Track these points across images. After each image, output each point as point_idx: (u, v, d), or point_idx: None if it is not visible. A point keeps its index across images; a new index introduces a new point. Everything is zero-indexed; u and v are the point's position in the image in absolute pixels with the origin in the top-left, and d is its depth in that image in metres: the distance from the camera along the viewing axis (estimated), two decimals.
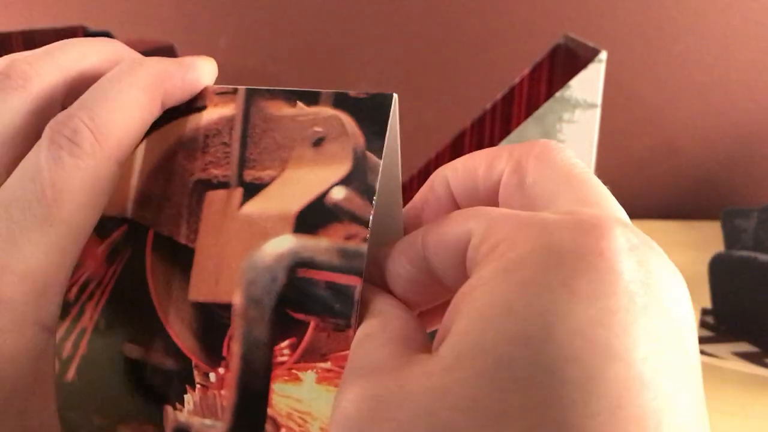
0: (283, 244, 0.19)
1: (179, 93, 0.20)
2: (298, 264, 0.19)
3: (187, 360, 0.20)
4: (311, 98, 0.20)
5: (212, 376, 0.20)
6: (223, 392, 0.20)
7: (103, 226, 0.21)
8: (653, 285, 0.13)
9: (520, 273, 0.13)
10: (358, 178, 0.19)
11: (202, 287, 0.20)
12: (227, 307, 0.20)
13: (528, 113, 0.42)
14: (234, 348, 0.20)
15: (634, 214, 0.77)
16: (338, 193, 0.19)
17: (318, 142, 0.20)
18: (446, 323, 0.14)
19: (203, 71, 0.21)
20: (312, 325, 0.19)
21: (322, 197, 0.19)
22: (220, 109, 0.21)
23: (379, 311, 0.17)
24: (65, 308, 0.21)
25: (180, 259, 0.21)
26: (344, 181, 0.19)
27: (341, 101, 0.20)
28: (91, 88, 0.19)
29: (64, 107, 0.19)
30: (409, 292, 0.18)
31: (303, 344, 0.19)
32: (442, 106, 0.71)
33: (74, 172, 0.18)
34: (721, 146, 0.73)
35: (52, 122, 0.18)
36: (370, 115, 0.19)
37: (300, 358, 0.19)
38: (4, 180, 0.19)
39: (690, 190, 0.75)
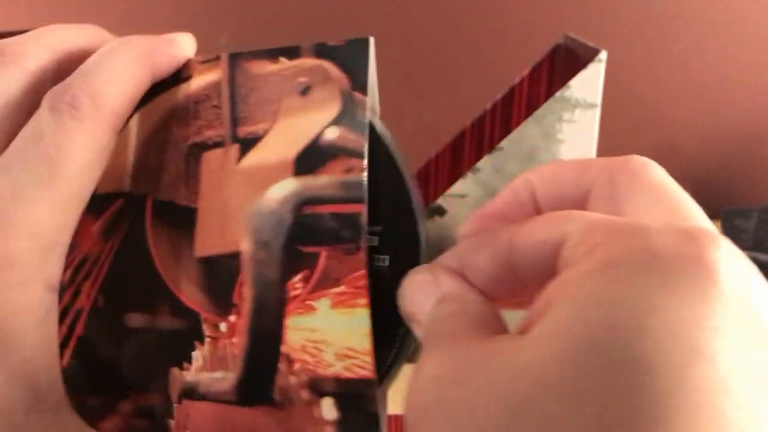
0: (286, 187, 0.20)
1: (166, 65, 0.21)
2: (302, 203, 0.20)
3: (196, 315, 0.21)
4: (292, 53, 0.21)
5: (222, 326, 0.20)
6: (234, 340, 0.20)
7: (99, 204, 0.21)
8: (752, 299, 0.13)
9: (618, 269, 0.13)
10: (348, 117, 0.20)
11: (208, 242, 0.21)
12: (236, 256, 0.20)
13: (528, 113, 0.42)
14: (245, 293, 0.20)
15: None
16: (332, 133, 0.20)
17: (305, 91, 0.21)
18: (536, 310, 0.14)
19: (186, 44, 0.22)
20: (323, 254, 0.20)
21: (317, 139, 0.20)
22: (206, 76, 0.22)
23: (457, 295, 0.18)
24: (58, 293, 0.21)
25: (182, 220, 0.21)
26: (335, 122, 0.20)
27: (321, 51, 0.21)
28: (85, 62, 0.20)
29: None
30: (485, 284, 0.18)
31: (316, 274, 0.20)
32: (442, 106, 0.71)
33: (76, 134, 0.19)
34: (721, 146, 0.73)
35: (50, 92, 0.19)
36: (351, 58, 0.21)
37: (314, 288, 0.20)
38: (4, 149, 0.19)
39: (690, 190, 0.75)
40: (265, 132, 0.21)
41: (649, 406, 0.12)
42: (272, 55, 0.21)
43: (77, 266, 0.21)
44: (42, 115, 0.19)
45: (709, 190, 0.74)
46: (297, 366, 0.20)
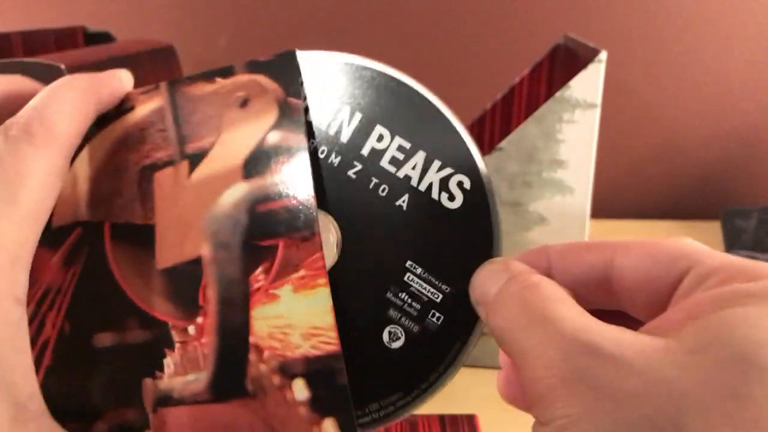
0: (238, 191, 0.22)
1: (109, 97, 0.23)
2: (255, 202, 0.22)
3: (164, 324, 0.22)
4: (227, 72, 0.23)
5: (191, 329, 0.21)
6: (203, 340, 0.21)
7: (56, 237, 0.22)
8: None
9: (758, 299, 0.15)
10: (287, 120, 0.22)
11: (168, 253, 0.22)
12: (197, 261, 0.22)
13: (528, 113, 0.42)
14: (210, 293, 0.21)
15: (634, 214, 0.77)
16: (273, 137, 0.22)
17: (244, 104, 0.23)
18: (674, 318, 0.16)
19: (124, 78, 0.24)
20: (281, 245, 0.21)
21: (261, 144, 0.22)
22: (148, 105, 0.23)
23: (551, 284, 0.19)
24: None
25: (142, 238, 0.22)
26: (275, 126, 0.22)
27: (253, 67, 0.23)
28: (33, 99, 0.22)
29: None
30: (569, 286, 0.19)
31: (276, 264, 0.21)
32: None
33: (32, 157, 0.20)
34: (721, 146, 0.73)
35: (3, 125, 0.21)
36: (282, 69, 0.23)
37: (276, 277, 0.21)
38: None
39: (690, 190, 0.75)
40: (212, 145, 0.22)
41: None
42: (208, 76, 0.23)
43: (40, 299, 0.22)
44: None
45: (709, 190, 0.74)
46: (266, 354, 0.21)
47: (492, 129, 0.57)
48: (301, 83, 0.23)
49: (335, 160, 0.23)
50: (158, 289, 0.22)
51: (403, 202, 0.23)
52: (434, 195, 0.23)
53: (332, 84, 0.23)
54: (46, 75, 0.41)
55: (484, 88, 0.61)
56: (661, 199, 0.75)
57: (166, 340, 0.21)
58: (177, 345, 0.21)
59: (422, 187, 0.23)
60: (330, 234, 0.23)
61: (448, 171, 0.23)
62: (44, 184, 0.20)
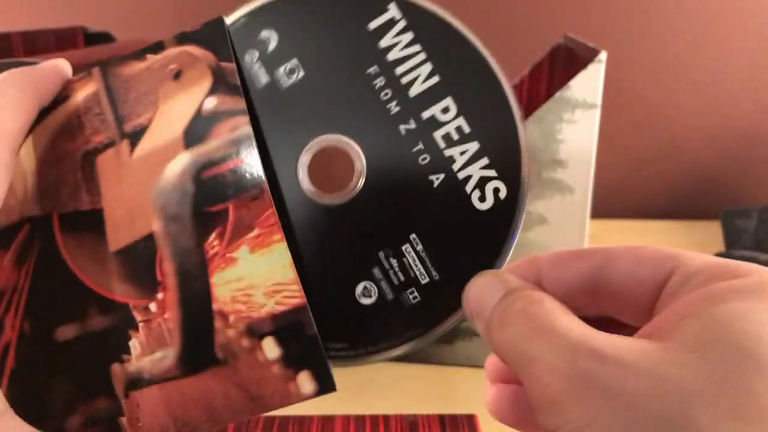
0: (181, 160, 0.22)
1: (50, 89, 0.23)
2: (200, 169, 0.22)
3: (124, 306, 0.22)
4: (156, 48, 0.23)
5: (153, 306, 0.21)
6: (166, 315, 0.21)
7: (4, 238, 0.22)
8: None
9: (757, 294, 0.16)
10: (222, 84, 0.22)
11: (120, 234, 0.22)
12: (149, 237, 0.22)
13: (528, 113, 0.42)
14: (166, 267, 0.21)
15: (634, 214, 0.77)
16: (210, 103, 0.22)
17: (177, 75, 0.22)
18: (667, 321, 0.16)
19: (64, 68, 0.23)
20: (231, 207, 0.21)
21: (198, 111, 0.22)
22: (83, 91, 0.23)
23: (530, 291, 0.19)
24: None
25: (91, 224, 0.22)
26: (211, 92, 0.22)
27: (182, 38, 0.23)
28: None
29: None
30: (561, 295, 0.20)
31: (229, 227, 0.21)
32: None
33: None
34: (721, 146, 0.73)
35: None
36: (211, 37, 0.23)
37: (230, 240, 0.21)
38: None
39: (690, 190, 0.75)
40: (150, 121, 0.22)
41: None
42: (139, 55, 0.23)
43: None
44: None
45: (709, 190, 0.74)
46: (232, 318, 0.21)
47: None
48: (232, 46, 0.23)
49: (394, 108, 0.22)
50: (114, 271, 0.22)
51: (437, 179, 0.22)
52: (468, 188, 0.22)
53: (426, 36, 0.23)
54: None
55: None
56: (661, 199, 0.75)
57: (128, 321, 0.21)
58: (140, 324, 0.21)
59: (461, 176, 0.22)
60: (357, 161, 0.22)
61: (491, 173, 0.22)
62: None
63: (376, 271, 0.22)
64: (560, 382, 0.16)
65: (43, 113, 0.23)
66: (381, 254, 0.22)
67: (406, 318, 0.22)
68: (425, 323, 0.22)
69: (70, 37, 0.55)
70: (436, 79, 0.22)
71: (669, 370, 0.15)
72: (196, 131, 0.22)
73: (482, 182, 0.22)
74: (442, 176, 0.22)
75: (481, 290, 0.20)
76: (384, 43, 0.22)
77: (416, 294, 0.22)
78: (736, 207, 0.65)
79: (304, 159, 0.23)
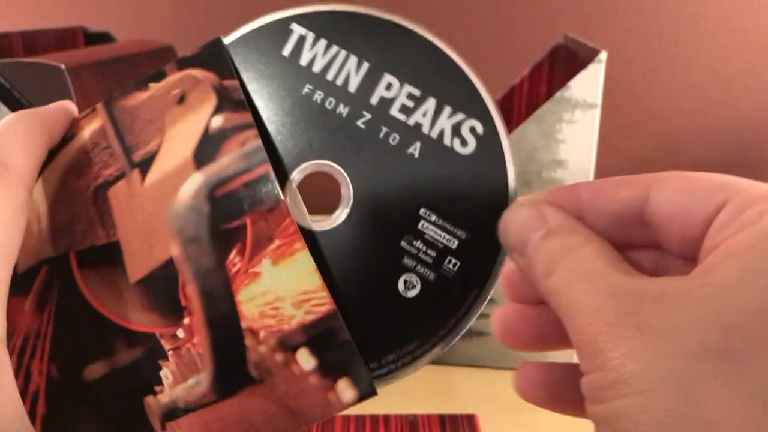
0: (194, 182, 0.22)
1: (59, 130, 0.23)
2: (213, 188, 0.22)
3: (151, 336, 0.21)
4: (158, 76, 0.23)
5: (180, 332, 0.21)
6: (195, 340, 0.21)
7: (24, 282, 0.22)
8: None
9: None
10: (226, 102, 0.22)
11: (139, 264, 0.22)
12: (169, 263, 0.21)
13: (528, 113, 0.42)
14: (190, 291, 0.21)
15: None
16: (217, 121, 0.22)
17: (181, 99, 0.22)
18: (713, 260, 0.16)
19: (71, 109, 0.24)
20: (248, 221, 0.21)
21: (206, 131, 0.22)
22: (89, 128, 0.23)
23: (572, 229, 0.19)
24: None
25: (109, 257, 0.22)
26: (217, 110, 0.22)
27: (182, 63, 0.23)
28: None
29: None
30: (604, 228, 0.19)
31: (248, 241, 0.21)
32: None
33: None
34: (721, 146, 0.73)
35: None
36: (210, 58, 0.23)
37: (252, 255, 0.21)
38: None
39: None
40: (158, 147, 0.22)
41: None
42: (140, 85, 0.23)
43: (20, 349, 0.21)
44: None
45: None
46: (263, 334, 0.21)
47: None
48: (233, 65, 0.23)
49: (343, 110, 0.22)
50: (137, 302, 0.21)
51: (415, 149, 0.22)
52: (446, 141, 0.22)
53: (337, 35, 0.23)
54: (46, 75, 0.41)
55: None
56: None
57: (157, 351, 0.21)
58: (170, 353, 0.21)
59: (434, 134, 0.22)
60: (342, 187, 0.22)
61: (459, 116, 0.22)
62: (9, 222, 0.20)
63: (408, 261, 0.22)
64: (599, 322, 0.16)
65: (51, 154, 0.23)
66: (403, 243, 0.22)
67: (458, 285, 0.22)
68: (478, 279, 0.22)
69: (70, 37, 0.55)
70: (366, 66, 0.23)
71: (710, 306, 0.15)
72: (205, 151, 0.22)
73: (456, 128, 0.22)
74: (418, 144, 0.22)
75: (522, 225, 0.20)
76: (304, 60, 0.23)
77: (453, 260, 0.22)
78: None
79: (297, 177, 0.23)
